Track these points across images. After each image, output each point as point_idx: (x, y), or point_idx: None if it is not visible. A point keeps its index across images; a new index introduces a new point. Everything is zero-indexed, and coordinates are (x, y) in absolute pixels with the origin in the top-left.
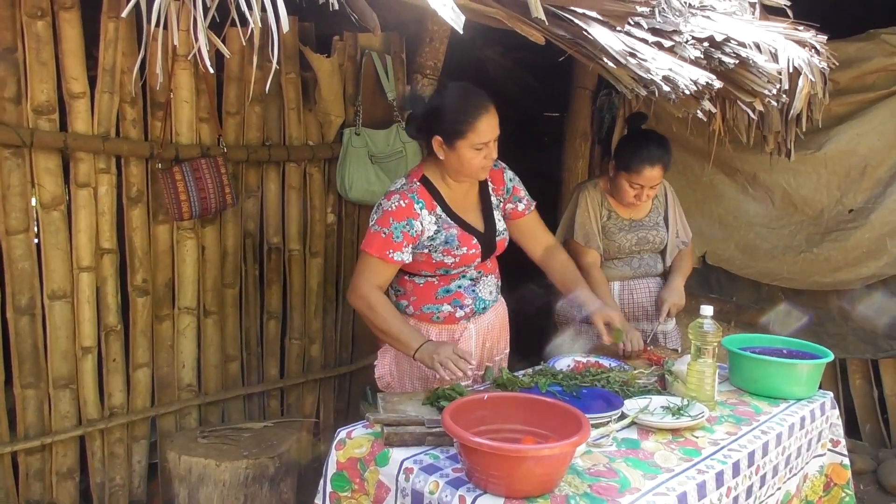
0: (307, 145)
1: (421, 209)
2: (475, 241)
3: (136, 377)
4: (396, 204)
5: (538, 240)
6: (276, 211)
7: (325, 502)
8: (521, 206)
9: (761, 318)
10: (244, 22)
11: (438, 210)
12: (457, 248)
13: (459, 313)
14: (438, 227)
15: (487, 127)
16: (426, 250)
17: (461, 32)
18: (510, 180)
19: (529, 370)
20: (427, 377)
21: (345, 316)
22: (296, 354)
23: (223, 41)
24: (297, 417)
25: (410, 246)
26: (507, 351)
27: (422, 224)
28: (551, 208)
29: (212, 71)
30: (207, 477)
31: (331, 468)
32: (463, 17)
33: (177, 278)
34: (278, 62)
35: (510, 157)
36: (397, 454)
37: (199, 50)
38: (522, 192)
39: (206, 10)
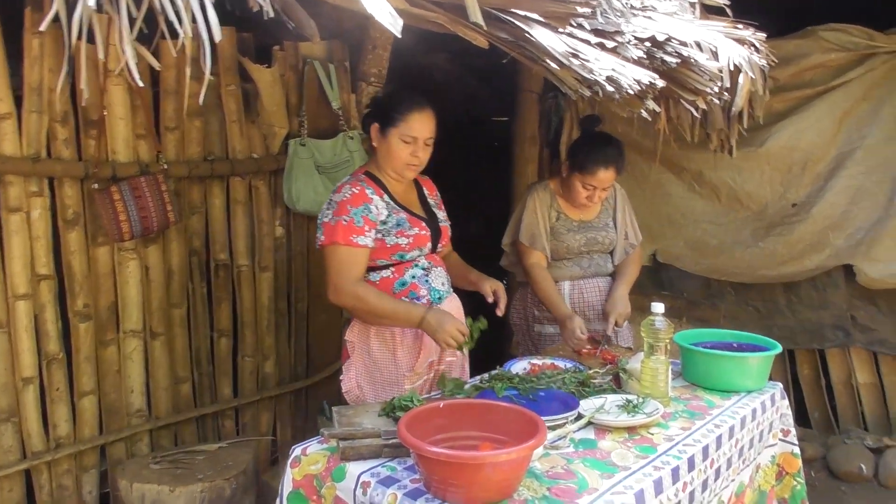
0: (251, 158)
1: (372, 194)
2: (423, 224)
3: (81, 405)
4: (350, 192)
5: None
6: (222, 226)
7: None
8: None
9: (712, 313)
10: (177, 33)
11: (386, 197)
12: (409, 229)
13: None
14: (389, 211)
15: (419, 123)
16: (380, 234)
17: (399, 37)
18: (438, 194)
19: (486, 375)
20: (399, 382)
21: (298, 330)
22: (249, 372)
23: (155, 54)
24: (253, 436)
25: (373, 231)
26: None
27: (377, 207)
28: (503, 212)
29: (141, 84)
30: (161, 503)
31: (286, 487)
32: (401, 22)
33: (120, 301)
34: (215, 73)
35: (461, 162)
36: (354, 468)
37: (127, 64)
38: (443, 208)
39: (132, 21)
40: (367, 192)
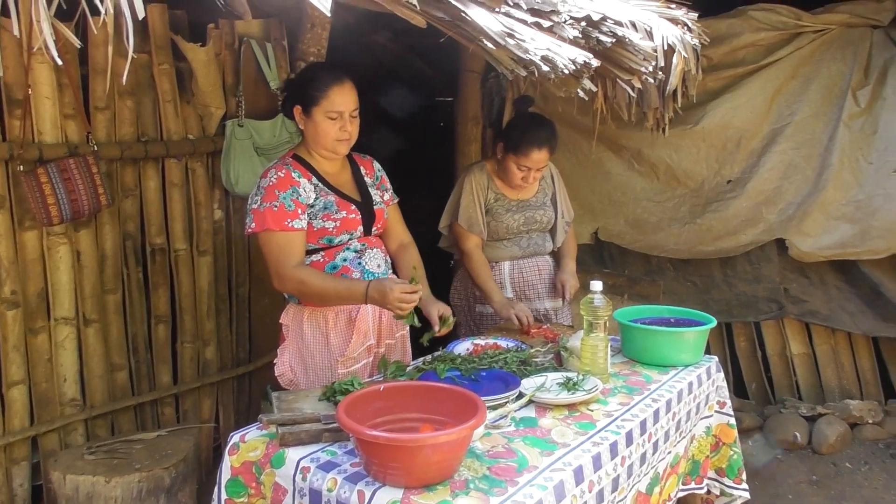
0: (187, 139)
1: (299, 177)
2: (354, 207)
3: (10, 396)
4: (276, 176)
5: (395, 233)
6: (158, 210)
7: None
8: (386, 196)
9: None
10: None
11: (314, 179)
12: (336, 213)
13: None
14: (317, 194)
15: (340, 97)
16: (308, 217)
17: (328, 15)
18: (379, 170)
19: (428, 357)
20: (332, 367)
21: (240, 315)
22: (189, 358)
23: (85, 30)
24: (194, 424)
25: (305, 214)
26: (408, 329)
27: (304, 190)
28: (447, 192)
29: (60, 62)
30: (97, 495)
31: (225, 474)
32: (330, 0)
33: (50, 287)
34: (146, 52)
35: (407, 142)
36: (293, 454)
37: (45, 41)
38: (388, 184)
39: None
40: (294, 175)
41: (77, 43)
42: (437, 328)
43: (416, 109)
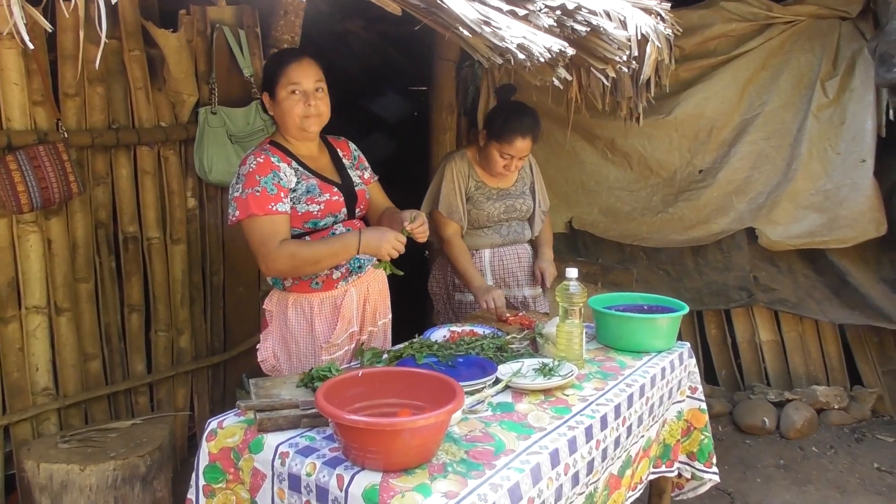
0: (159, 127)
1: (278, 162)
2: (336, 189)
3: None
4: (255, 162)
5: (380, 208)
6: (130, 198)
7: (197, 496)
8: (366, 174)
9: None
10: None
11: (294, 164)
12: (319, 196)
13: (336, 274)
14: (298, 178)
15: (299, 71)
16: (291, 202)
17: (302, 1)
18: (355, 150)
19: (406, 343)
20: (316, 354)
21: (214, 303)
22: (163, 347)
23: (53, 15)
24: (169, 412)
25: (287, 197)
26: (390, 317)
27: (285, 175)
28: (422, 181)
29: (31, 47)
30: (71, 483)
31: (202, 460)
32: None
33: (21, 276)
34: (116, 37)
35: (381, 130)
36: (272, 439)
37: (16, 25)
38: (366, 163)
39: None
40: (273, 159)
41: (48, 27)
42: (407, 224)
43: (389, 99)
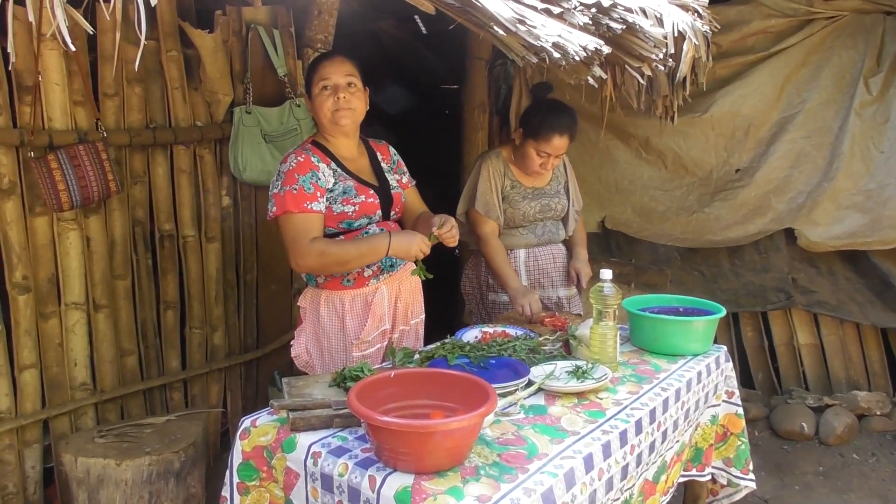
0: (195, 126)
1: (318, 162)
2: (372, 191)
3: (23, 379)
4: (295, 161)
5: (416, 212)
6: (167, 196)
7: (232, 493)
8: (404, 179)
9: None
10: None
11: (333, 165)
12: (355, 197)
13: (367, 272)
14: (336, 179)
15: (329, 67)
16: (327, 202)
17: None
18: (394, 154)
19: (437, 344)
20: (347, 350)
21: (247, 301)
22: (197, 344)
23: (93, 16)
24: (202, 409)
25: (323, 197)
26: (423, 317)
27: (324, 175)
28: (454, 180)
29: (73, 49)
30: (108, 477)
31: (236, 458)
32: None
33: (61, 273)
34: (154, 39)
35: (413, 129)
36: (304, 439)
37: (59, 27)
38: (405, 168)
39: None
40: (313, 159)
41: (89, 29)
42: (435, 229)
43: (421, 97)
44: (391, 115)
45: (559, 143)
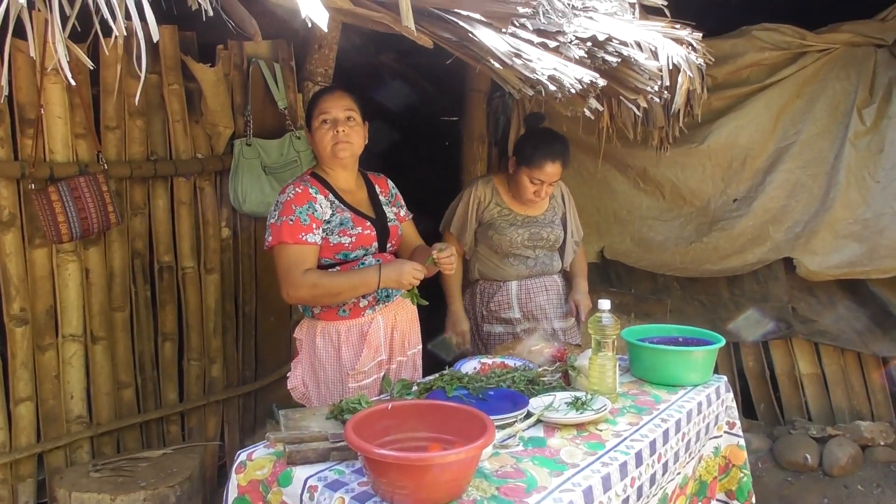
0: (196, 158)
1: (316, 193)
2: (369, 223)
3: (18, 412)
4: (293, 192)
5: (412, 245)
6: (166, 228)
7: None
8: (402, 213)
9: (659, 308)
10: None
11: (331, 196)
12: (352, 229)
13: (363, 302)
14: (333, 210)
15: (329, 102)
16: (324, 233)
17: (326, 31)
18: (393, 188)
19: (435, 375)
20: (343, 381)
21: (246, 333)
22: (195, 376)
23: (96, 50)
24: (200, 442)
25: (319, 229)
26: (420, 347)
27: (321, 206)
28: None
29: (73, 83)
30: None
31: (231, 493)
32: (327, 15)
33: (59, 305)
34: (156, 72)
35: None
36: (301, 472)
37: (60, 61)
38: (402, 201)
39: (65, 18)
40: (311, 191)
41: (90, 64)
42: (434, 252)
43: (421, 129)
44: (391, 146)
45: (552, 169)
